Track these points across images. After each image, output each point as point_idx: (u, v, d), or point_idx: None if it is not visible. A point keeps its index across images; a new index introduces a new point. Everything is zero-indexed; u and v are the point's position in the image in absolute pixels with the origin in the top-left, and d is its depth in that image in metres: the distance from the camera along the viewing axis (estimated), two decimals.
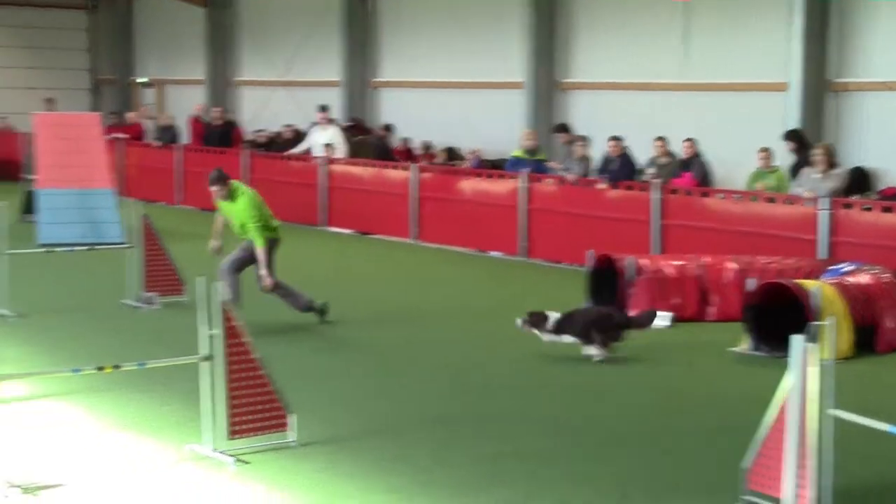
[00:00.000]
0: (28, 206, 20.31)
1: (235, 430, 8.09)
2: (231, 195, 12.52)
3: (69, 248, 14.91)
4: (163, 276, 13.68)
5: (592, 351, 11.29)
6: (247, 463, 7.94)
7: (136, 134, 27.04)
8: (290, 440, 8.32)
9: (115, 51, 34.86)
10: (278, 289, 12.69)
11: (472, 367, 11.08)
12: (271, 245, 12.59)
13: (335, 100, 26.09)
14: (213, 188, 12.53)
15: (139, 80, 34.29)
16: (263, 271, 12.49)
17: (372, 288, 15.52)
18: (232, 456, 7.98)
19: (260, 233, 12.37)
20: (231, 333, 8.02)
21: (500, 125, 23.09)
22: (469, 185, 19.11)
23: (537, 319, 11.49)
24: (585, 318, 11.49)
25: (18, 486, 7.30)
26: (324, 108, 23.64)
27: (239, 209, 12.47)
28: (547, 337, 11.44)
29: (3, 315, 12.44)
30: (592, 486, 7.63)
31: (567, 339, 11.38)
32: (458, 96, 24.49)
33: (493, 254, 18.57)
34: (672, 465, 8.13)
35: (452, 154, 22.84)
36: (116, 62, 34.75)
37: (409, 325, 13.11)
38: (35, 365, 10.63)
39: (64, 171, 18.83)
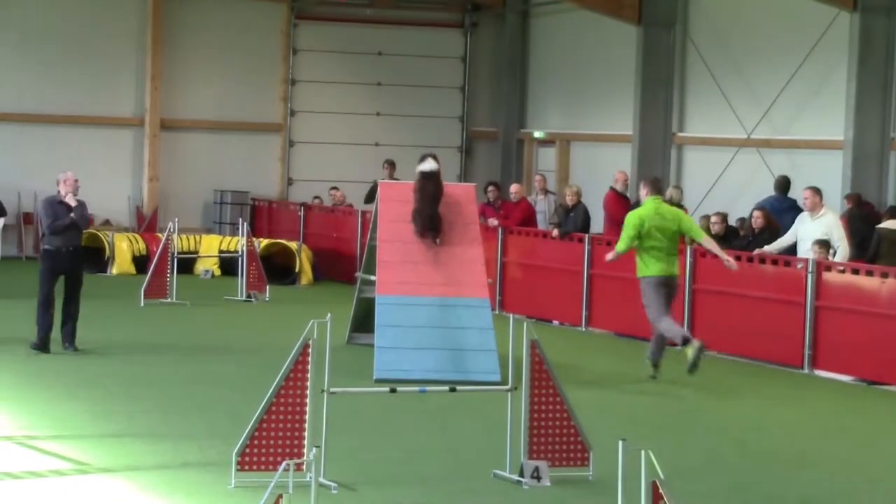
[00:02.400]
0: (362, 322, 20.81)
1: None
2: None
3: (420, 389, 15.13)
4: (556, 436, 13.72)
5: None
6: None
7: (524, 216, 27.31)
8: None
9: (498, 90, 35.65)
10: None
11: None
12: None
13: (836, 167, 25.93)
14: None
15: (534, 133, 34.86)
16: None
17: None
18: None
19: None
20: None
21: None
22: None
23: None
24: None
25: None
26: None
27: None
28: None
29: (323, 486, 12.64)
30: None
31: None
32: None
33: None
34: None
35: None
36: (500, 107, 35.83)
37: None
38: None
39: (416, 269, 19.35)
